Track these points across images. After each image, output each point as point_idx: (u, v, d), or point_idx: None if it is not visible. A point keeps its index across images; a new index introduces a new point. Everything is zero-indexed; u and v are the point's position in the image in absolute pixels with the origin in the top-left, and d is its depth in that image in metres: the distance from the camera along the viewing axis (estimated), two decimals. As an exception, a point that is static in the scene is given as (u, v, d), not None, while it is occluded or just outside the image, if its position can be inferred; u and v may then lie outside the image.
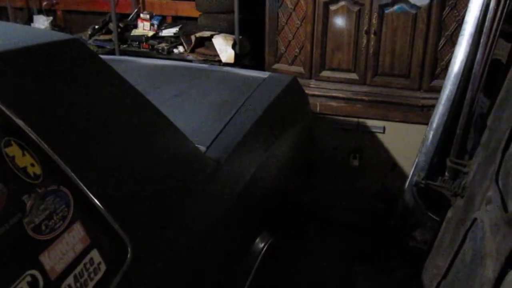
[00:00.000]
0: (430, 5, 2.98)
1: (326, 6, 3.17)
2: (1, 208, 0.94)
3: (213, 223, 1.59)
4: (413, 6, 3.02)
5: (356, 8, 3.12)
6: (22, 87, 1.09)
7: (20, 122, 1.03)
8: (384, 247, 2.95)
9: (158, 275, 1.30)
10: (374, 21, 3.09)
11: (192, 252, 1.47)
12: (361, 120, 3.29)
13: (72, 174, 1.10)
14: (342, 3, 3.13)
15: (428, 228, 2.70)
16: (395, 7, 3.06)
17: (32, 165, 1.03)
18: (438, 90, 2.72)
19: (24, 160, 1.02)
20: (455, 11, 2.97)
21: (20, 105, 1.05)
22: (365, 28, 3.13)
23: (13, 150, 1.01)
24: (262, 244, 1.89)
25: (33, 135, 1.05)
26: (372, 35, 3.13)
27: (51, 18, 4.42)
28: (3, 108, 1.01)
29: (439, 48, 3.07)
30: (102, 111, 1.28)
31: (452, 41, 2.97)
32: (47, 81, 1.16)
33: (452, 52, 2.59)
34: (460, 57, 2.49)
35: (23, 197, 0.99)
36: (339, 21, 3.17)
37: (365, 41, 3.15)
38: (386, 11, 3.07)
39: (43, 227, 1.01)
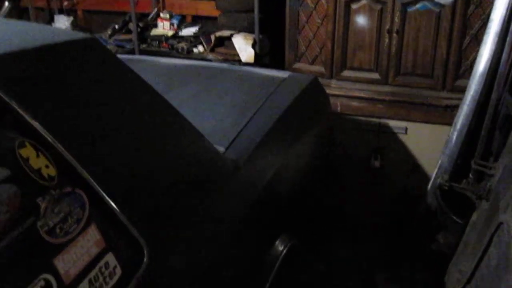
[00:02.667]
0: (454, 3, 2.92)
1: (347, 4, 3.12)
2: (15, 211, 0.92)
3: (232, 225, 1.56)
4: (437, 4, 2.96)
5: (378, 7, 3.06)
6: (37, 86, 1.07)
7: (34, 123, 1.01)
8: (406, 250, 2.89)
9: (174, 280, 1.27)
10: (396, 19, 3.04)
11: (210, 255, 1.44)
12: (382, 120, 3.24)
13: (88, 176, 1.08)
14: (364, 1, 3.08)
15: (452, 231, 2.64)
16: (418, 5, 3.00)
17: (47, 166, 1.01)
18: (462, 90, 2.66)
19: (38, 161, 1.00)
20: (480, 9, 2.90)
21: (35, 106, 1.03)
22: (387, 27, 3.07)
23: (28, 152, 0.99)
24: (282, 247, 1.86)
25: (48, 136, 1.03)
26: (394, 34, 3.07)
27: (71, 18, 4.44)
28: (18, 109, 0.99)
29: (463, 47, 3.00)
30: (119, 111, 1.26)
31: (477, 40, 2.90)
32: (62, 80, 1.14)
33: (477, 51, 2.53)
34: (486, 56, 2.43)
35: (37, 199, 0.97)
36: (361, 20, 3.12)
37: (387, 40, 3.10)
38: (409, 10, 3.01)
39: (58, 230, 0.99)
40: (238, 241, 1.60)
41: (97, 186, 1.09)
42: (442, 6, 2.95)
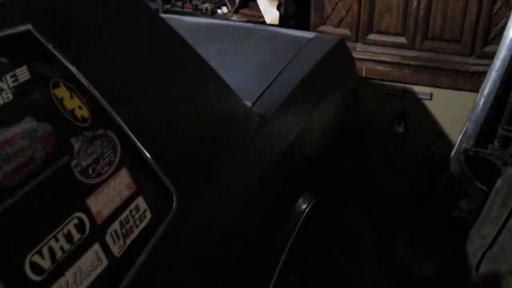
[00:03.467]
0: (486, -34, 2.84)
1: (376, -34, 3.05)
2: (50, 149, 0.93)
3: (257, 178, 1.57)
4: (469, -33, 2.88)
5: (407, -31, 2.99)
6: (73, 30, 1.07)
7: (69, 65, 1.02)
8: (428, 216, 2.88)
9: (202, 229, 1.29)
10: (426, -18, 2.97)
11: (236, 208, 1.45)
12: (408, 85, 3.19)
13: (120, 119, 1.08)
14: (393, -37, 3.01)
15: (475, 198, 2.63)
16: (449, -33, 2.92)
17: (80, 108, 1.02)
18: (491, 56, 2.61)
19: (72, 102, 1.01)
20: (514, -27, 2.82)
21: (70, 47, 1.03)
22: (416, -11, 3.01)
23: (62, 92, 0.99)
24: (305, 205, 1.86)
25: (82, 78, 1.03)
26: (423, -3, 3.00)
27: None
28: (52, 49, 1.00)
29: (493, 12, 2.92)
30: (153, 60, 1.26)
31: (509, 5, 2.83)
32: (98, 25, 1.14)
33: (508, 16, 2.47)
34: (517, 21, 2.37)
35: (71, 139, 0.98)
36: (389, -18, 3.06)
37: (415, 3, 3.02)
38: (440, -28, 2.94)
39: (90, 171, 1.00)
40: (264, 195, 1.61)
41: (128, 130, 1.10)
42: (474, -31, 2.88)
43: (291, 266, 1.77)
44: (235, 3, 3.64)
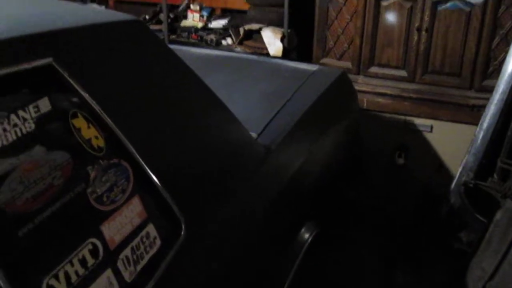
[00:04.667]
0: (485, 3, 2.92)
1: (377, 1, 3.14)
2: (67, 177, 0.98)
3: (262, 208, 1.60)
4: (468, 3, 2.96)
5: (408, 4, 3.08)
6: (89, 61, 1.12)
7: (86, 95, 1.06)
8: (428, 247, 2.91)
9: (208, 256, 1.32)
10: (426, 18, 3.05)
11: (241, 236, 1.49)
12: (408, 118, 3.25)
13: (133, 149, 1.13)
14: (395, -1, 3.10)
15: (474, 230, 2.65)
16: (449, 4, 3.01)
17: (96, 137, 1.07)
18: (490, 90, 2.66)
19: (89, 132, 1.05)
20: (511, 9, 2.90)
21: (87, 79, 1.08)
22: (416, 24, 3.09)
23: (79, 122, 1.04)
24: (308, 234, 1.89)
25: (97, 109, 1.08)
26: (423, 32, 3.08)
27: (103, 7, 4.51)
28: (71, 81, 1.05)
29: (492, 47, 3.00)
30: (163, 91, 1.31)
31: (507, 40, 2.91)
32: (112, 57, 1.19)
33: (506, 51, 2.53)
34: (515, 56, 2.43)
35: (87, 167, 1.02)
36: (391, 17, 3.14)
37: (416, 38, 3.11)
38: (439, 8, 3.02)
39: (105, 198, 1.04)
40: (268, 224, 1.65)
41: (141, 160, 1.14)
42: (472, 5, 2.96)
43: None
44: (240, 34, 3.73)
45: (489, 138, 2.58)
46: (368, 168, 3.31)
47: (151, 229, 1.14)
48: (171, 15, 4.06)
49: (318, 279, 2.20)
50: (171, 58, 1.38)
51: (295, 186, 1.87)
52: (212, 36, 3.82)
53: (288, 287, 1.72)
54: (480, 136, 2.61)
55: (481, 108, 2.87)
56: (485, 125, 2.59)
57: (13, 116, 0.91)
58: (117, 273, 1.02)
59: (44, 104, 0.98)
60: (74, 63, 1.07)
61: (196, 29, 3.92)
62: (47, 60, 1.02)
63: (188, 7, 4.12)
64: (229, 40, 3.81)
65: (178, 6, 4.22)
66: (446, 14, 3.02)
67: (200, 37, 3.87)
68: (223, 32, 3.89)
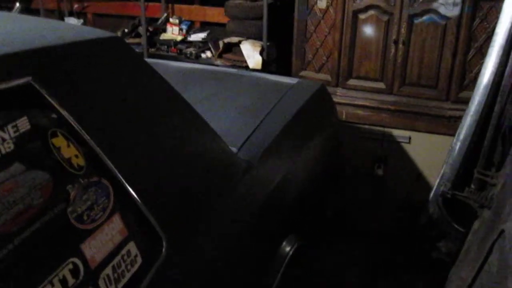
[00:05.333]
0: (460, 16, 2.98)
1: (355, 15, 3.18)
2: (47, 197, 0.97)
3: (244, 223, 1.61)
4: (443, 17, 3.02)
5: (385, 18, 3.12)
6: (68, 79, 1.12)
7: (65, 114, 1.06)
8: (407, 257, 2.93)
9: (189, 272, 1.32)
10: (403, 31, 3.10)
11: (222, 252, 1.49)
12: (387, 129, 3.29)
13: (113, 167, 1.13)
14: (372, 12, 3.14)
15: (453, 239, 2.68)
16: (425, 17, 3.06)
17: (76, 156, 1.06)
18: (466, 101, 2.71)
19: (69, 151, 1.05)
20: (485, 23, 2.96)
21: (66, 97, 1.08)
22: (393, 37, 3.13)
23: (59, 141, 1.04)
24: (289, 248, 1.90)
25: (77, 127, 1.08)
26: (400, 45, 3.13)
27: (81, 20, 4.50)
28: (50, 100, 1.04)
29: (468, 59, 3.06)
30: (143, 107, 1.31)
31: (482, 53, 2.96)
32: (91, 75, 1.19)
33: (481, 64, 2.57)
34: (490, 68, 2.47)
35: (67, 187, 1.02)
36: (368, 30, 3.18)
37: (393, 50, 3.15)
38: (416, 21, 3.07)
39: (85, 217, 1.04)
40: (249, 238, 1.65)
41: (121, 177, 1.14)
42: (448, 18, 3.01)
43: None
44: (219, 48, 3.74)
45: (466, 149, 2.61)
46: (348, 179, 3.34)
47: (132, 247, 1.14)
48: (150, 29, 4.07)
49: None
50: (150, 74, 1.39)
51: (276, 200, 1.88)
52: (192, 49, 3.83)
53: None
54: (457, 147, 2.64)
55: (457, 119, 2.92)
56: (461, 136, 2.62)
57: (-9, 136, 0.91)
58: (98, 292, 1.02)
59: (23, 124, 0.97)
60: (53, 81, 1.07)
61: (175, 42, 3.93)
62: (26, 79, 1.01)
63: (167, 20, 4.13)
64: (208, 53, 3.83)
65: (157, 19, 4.23)
66: (422, 27, 3.07)
67: (179, 50, 3.88)
68: (203, 45, 3.90)
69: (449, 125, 3.10)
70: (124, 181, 1.14)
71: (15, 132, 0.95)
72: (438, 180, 2.70)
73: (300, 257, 1.97)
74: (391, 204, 3.35)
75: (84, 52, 1.20)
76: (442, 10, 3.00)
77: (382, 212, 3.34)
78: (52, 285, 0.93)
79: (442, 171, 2.68)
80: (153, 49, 3.97)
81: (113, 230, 1.10)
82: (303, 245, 1.97)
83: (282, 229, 1.95)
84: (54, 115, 1.05)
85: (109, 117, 1.20)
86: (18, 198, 0.91)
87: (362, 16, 3.18)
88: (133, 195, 1.16)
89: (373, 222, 3.29)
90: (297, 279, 2.03)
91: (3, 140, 0.92)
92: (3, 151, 0.92)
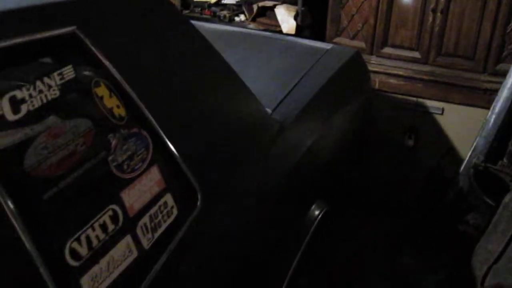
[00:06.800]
0: (503, -14, 2.89)
1: (393, -19, 3.11)
2: (89, 145, 0.99)
3: (275, 183, 1.62)
4: (485, -14, 2.93)
5: (424, -15, 3.05)
6: (111, 31, 1.14)
7: (108, 64, 1.08)
8: (434, 229, 2.93)
9: (222, 227, 1.34)
10: (442, -1, 3.03)
11: (253, 209, 1.51)
12: (420, 99, 3.25)
13: (152, 119, 1.14)
14: (411, -21, 3.07)
15: (482, 212, 2.66)
16: (466, -14, 2.98)
17: (118, 106, 1.08)
18: (503, 74, 2.65)
19: (111, 101, 1.07)
20: (529, -6, 2.87)
21: (109, 48, 1.10)
22: (431, 6, 3.05)
23: (102, 91, 1.06)
24: (318, 212, 1.91)
25: (119, 78, 1.09)
26: (438, 14, 3.05)
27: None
28: (94, 50, 1.06)
29: (507, 31, 2.98)
30: (183, 63, 1.32)
31: (523, 24, 2.89)
32: (133, 28, 1.20)
33: (522, 36, 2.51)
34: (530, 40, 2.42)
35: (109, 136, 1.04)
36: (406, -2, 3.12)
37: (430, 19, 3.08)
38: (456, -10, 2.99)
39: (125, 167, 1.06)
40: (280, 200, 1.66)
41: (160, 130, 1.16)
42: (489, -12, 2.93)
43: (301, 271, 1.82)
44: (253, 11, 3.71)
45: (501, 122, 2.57)
46: (377, 148, 3.32)
47: (168, 198, 1.16)
48: (185, -10, 4.05)
49: (326, 257, 2.23)
50: (191, 30, 1.39)
51: (307, 163, 1.89)
52: (225, 12, 3.81)
53: (297, 263, 1.75)
54: (492, 119, 2.60)
55: (493, 92, 2.86)
56: (497, 109, 2.58)
57: (38, 83, 0.93)
58: (136, 240, 1.05)
59: (68, 72, 0.99)
60: (97, 32, 1.08)
61: (209, 5, 3.91)
62: (71, 28, 1.03)
63: (202, -18, 4.10)
64: (242, 17, 3.80)
65: (192, -19, 4.21)
66: (462, -4, 2.99)
67: (213, 12, 3.86)
68: (236, 9, 3.87)
69: (484, 98, 3.04)
70: (162, 134, 1.16)
71: (60, 79, 0.97)
72: (470, 153, 2.68)
73: (328, 222, 1.98)
74: (420, 176, 3.32)
75: (127, 5, 1.21)
76: (484, -21, 2.92)
77: (411, 183, 3.32)
78: (93, 229, 0.96)
79: (475, 144, 2.65)
80: (186, 11, 3.95)
81: (151, 181, 1.12)
82: (331, 211, 1.98)
83: (311, 192, 1.96)
84: (97, 66, 1.07)
85: (149, 70, 1.21)
86: (62, 144, 0.94)
87: (400, -17, 3.11)
88: (171, 148, 1.18)
89: (401, 193, 3.28)
90: (323, 243, 2.05)
91: (50, 87, 0.94)
92: (49, 98, 0.94)
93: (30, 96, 0.91)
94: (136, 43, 1.19)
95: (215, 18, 3.82)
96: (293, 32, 3.46)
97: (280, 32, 3.50)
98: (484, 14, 2.97)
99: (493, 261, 2.30)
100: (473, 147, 2.66)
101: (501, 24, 2.96)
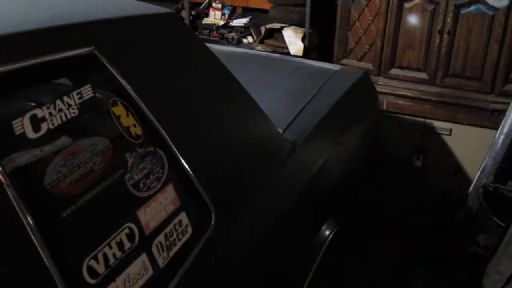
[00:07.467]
0: (508, 7, 2.91)
1: (400, 3, 3.14)
2: (107, 163, 1.01)
3: (287, 203, 1.62)
4: (491, 7, 2.96)
5: (431, 7, 3.08)
6: (128, 51, 1.15)
7: (125, 84, 1.09)
8: (444, 250, 2.91)
9: (235, 245, 1.34)
10: (448, 20, 3.05)
11: (266, 229, 1.51)
12: (427, 120, 3.26)
13: (168, 138, 1.16)
14: (417, 1, 3.10)
15: (492, 233, 2.65)
16: (472, 7, 3.00)
17: (134, 125, 1.10)
18: (511, 94, 2.67)
19: (128, 120, 1.08)
20: (535, 15, 2.90)
21: (126, 68, 1.11)
22: (438, 27, 3.09)
23: (119, 110, 1.07)
24: (329, 231, 1.91)
25: (136, 97, 1.11)
26: (445, 35, 3.08)
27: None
28: (112, 69, 1.08)
29: (514, 52, 3.00)
30: (197, 83, 1.34)
31: (530, 45, 2.91)
32: (149, 48, 1.22)
33: (529, 57, 2.53)
34: (538, 61, 2.43)
35: (126, 154, 1.05)
36: (413, 19, 3.15)
37: (438, 40, 3.11)
38: (462, 11, 3.02)
39: (141, 185, 1.07)
40: (292, 219, 1.67)
41: (175, 149, 1.17)
42: (496, 9, 2.95)
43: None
44: (261, 33, 3.75)
45: (509, 142, 2.58)
46: (385, 169, 3.32)
47: (183, 216, 1.17)
48: (193, 13, 4.10)
49: (338, 276, 2.22)
50: (206, 52, 1.41)
51: (318, 183, 1.89)
52: (233, 34, 3.85)
53: (309, 282, 1.74)
54: (500, 140, 2.60)
55: (501, 113, 2.87)
56: (505, 129, 2.59)
57: (58, 102, 0.95)
58: (151, 258, 1.05)
59: (87, 91, 1.01)
60: (114, 52, 1.10)
61: (217, 27, 3.96)
62: (89, 49, 1.05)
63: (210, 5, 4.15)
64: (250, 39, 3.84)
65: (200, 4, 4.25)
66: (469, 17, 3.02)
67: (221, 35, 3.91)
68: (244, 31, 3.92)
69: (492, 119, 3.05)
70: (177, 153, 1.17)
71: (79, 98, 0.98)
72: (479, 173, 2.67)
73: (339, 241, 1.98)
74: (429, 197, 3.32)
75: (143, 26, 1.23)
76: (490, 0, 2.94)
77: (420, 204, 3.31)
78: (110, 247, 0.96)
79: (483, 164, 2.65)
80: (195, 33, 4.00)
81: (167, 199, 1.13)
82: (342, 230, 1.98)
83: (322, 212, 1.96)
84: (114, 85, 1.08)
85: (165, 90, 1.23)
86: (81, 162, 0.95)
87: (407, 5, 3.14)
88: (186, 167, 1.19)
89: (410, 214, 3.27)
90: (335, 262, 2.04)
91: (69, 105, 0.96)
92: (68, 116, 0.95)
93: (50, 114, 0.92)
94: (152, 63, 1.21)
95: (223, 40, 3.87)
96: (300, 54, 3.50)
97: (288, 54, 3.54)
98: (491, 35, 3.00)
99: (504, 282, 2.28)
100: (481, 167, 2.66)
101: (508, 45, 2.98)
